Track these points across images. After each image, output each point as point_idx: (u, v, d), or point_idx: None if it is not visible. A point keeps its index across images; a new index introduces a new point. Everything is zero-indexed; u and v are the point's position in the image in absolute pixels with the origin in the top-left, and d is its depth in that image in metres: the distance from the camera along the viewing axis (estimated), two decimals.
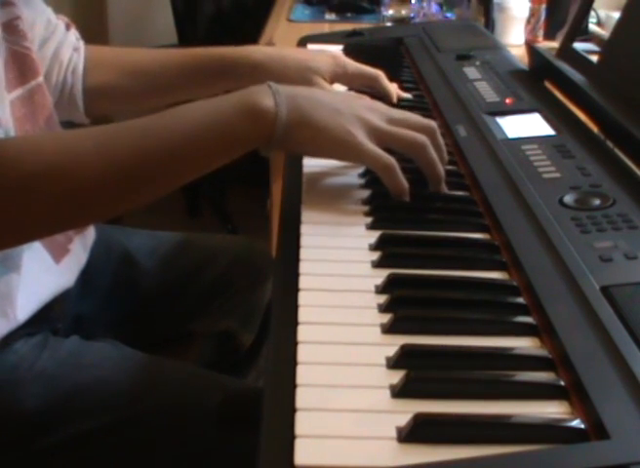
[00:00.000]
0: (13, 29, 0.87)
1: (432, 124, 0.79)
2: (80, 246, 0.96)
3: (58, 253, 0.90)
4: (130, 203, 0.74)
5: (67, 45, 1.00)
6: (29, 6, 0.94)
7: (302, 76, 0.97)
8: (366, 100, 0.81)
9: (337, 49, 1.33)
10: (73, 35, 1.03)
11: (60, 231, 0.84)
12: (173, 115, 0.73)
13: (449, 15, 1.78)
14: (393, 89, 1.04)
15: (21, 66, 0.88)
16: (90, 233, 1.00)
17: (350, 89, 1.06)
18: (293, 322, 0.59)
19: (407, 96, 1.05)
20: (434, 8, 1.78)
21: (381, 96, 1.01)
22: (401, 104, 1.08)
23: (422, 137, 0.77)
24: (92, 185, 0.69)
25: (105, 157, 0.70)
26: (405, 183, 0.76)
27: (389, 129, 0.76)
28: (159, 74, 1.01)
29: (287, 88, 0.75)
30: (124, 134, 0.72)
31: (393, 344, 0.56)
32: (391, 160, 0.75)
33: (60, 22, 1.01)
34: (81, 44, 1.03)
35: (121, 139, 0.71)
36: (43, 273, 0.88)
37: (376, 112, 0.77)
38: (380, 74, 1.02)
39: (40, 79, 0.91)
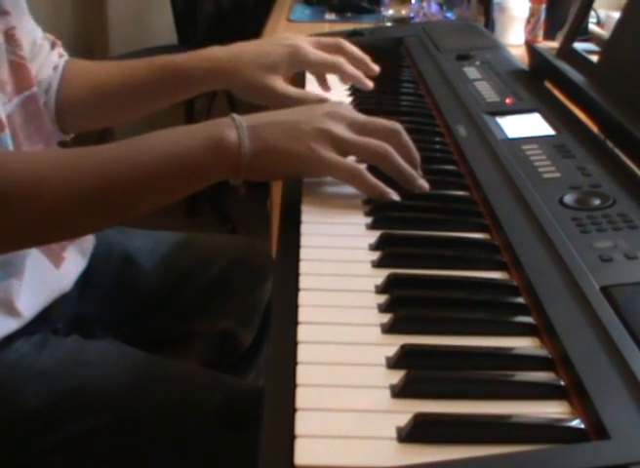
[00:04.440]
0: (10, 38, 0.88)
1: (396, 126, 0.79)
2: (76, 252, 0.96)
3: (56, 260, 0.91)
4: (103, 224, 0.78)
5: (48, 65, 0.99)
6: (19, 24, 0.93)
7: (257, 76, 0.95)
8: (328, 107, 0.80)
9: None
10: (56, 54, 1.02)
11: (37, 246, 0.85)
12: (140, 144, 0.75)
13: (449, 15, 1.78)
14: (360, 73, 1.02)
15: (18, 76, 0.88)
16: (87, 239, 1.00)
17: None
18: (293, 322, 0.59)
19: (376, 68, 1.03)
20: (434, 8, 1.78)
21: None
22: (402, 104, 1.08)
23: (383, 146, 0.77)
24: (60, 208, 0.71)
25: (72, 182, 0.71)
26: (378, 183, 0.76)
27: (351, 138, 0.76)
28: (122, 92, 1.00)
29: (250, 118, 0.75)
30: (91, 160, 0.73)
31: (393, 344, 0.56)
32: (357, 167, 0.76)
33: (45, 43, 1.00)
34: (62, 61, 1.02)
35: (88, 166, 0.73)
36: (44, 278, 0.88)
37: (338, 119, 0.77)
38: (342, 62, 0.99)
39: (34, 89, 0.91)
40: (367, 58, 1.01)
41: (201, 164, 0.73)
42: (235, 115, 0.75)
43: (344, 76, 1.01)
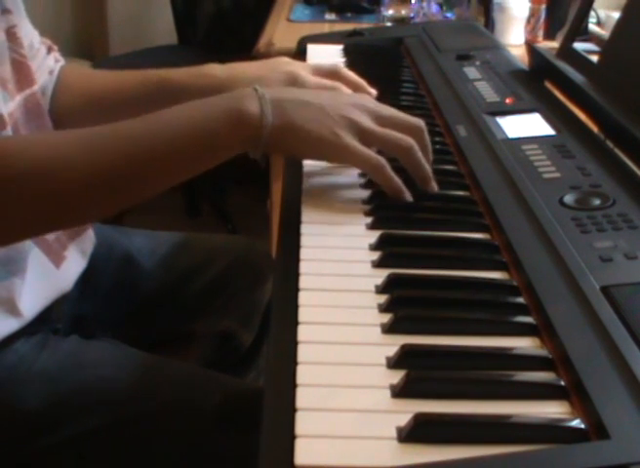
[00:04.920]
0: (12, 36, 0.88)
1: (420, 123, 0.79)
2: (77, 252, 0.96)
3: (56, 259, 0.90)
4: (117, 204, 0.76)
5: (44, 69, 0.98)
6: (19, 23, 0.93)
7: None
8: (353, 97, 0.80)
9: (336, 49, 1.33)
10: (52, 58, 1.01)
11: (48, 231, 0.85)
12: (159, 119, 0.74)
13: (449, 15, 1.78)
14: (362, 81, 1.01)
15: (20, 73, 0.88)
16: (87, 238, 0.99)
17: None
18: (293, 322, 0.59)
19: (373, 92, 1.01)
20: (434, 8, 1.78)
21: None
22: (402, 104, 1.08)
23: (408, 140, 0.77)
24: (77, 187, 0.70)
25: (90, 160, 0.71)
26: (398, 181, 0.76)
27: (376, 129, 0.76)
28: (118, 103, 0.99)
29: (273, 91, 0.75)
30: (110, 137, 0.73)
31: (393, 344, 0.56)
32: (380, 159, 0.75)
33: (42, 47, 1.00)
34: (58, 66, 1.02)
35: (106, 143, 0.72)
36: (45, 277, 0.88)
37: (363, 110, 0.77)
38: (340, 86, 0.97)
39: (35, 87, 0.91)
40: (364, 83, 1.01)
41: (221, 136, 0.72)
42: (257, 86, 0.74)
43: (348, 82, 1.00)
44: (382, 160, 0.76)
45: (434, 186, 0.78)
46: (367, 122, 0.76)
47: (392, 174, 0.76)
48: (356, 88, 1.00)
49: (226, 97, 0.74)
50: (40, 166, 0.69)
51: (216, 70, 0.97)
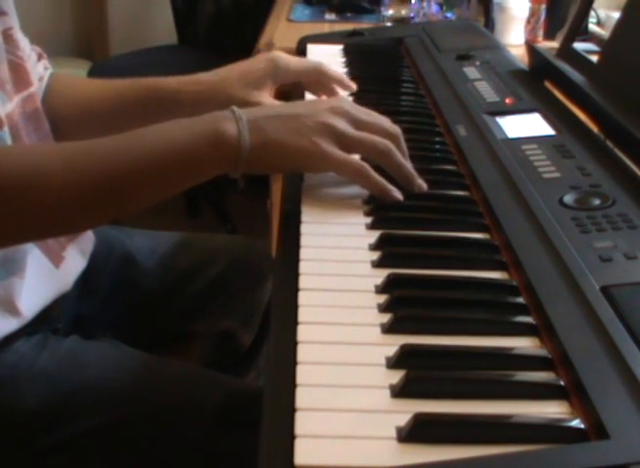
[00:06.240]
0: (9, 38, 0.88)
1: (396, 130, 0.79)
2: (76, 252, 0.96)
3: (55, 259, 0.91)
4: (98, 219, 0.77)
5: (34, 76, 0.99)
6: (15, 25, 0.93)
7: (244, 95, 0.95)
8: (330, 101, 0.80)
9: (336, 49, 1.33)
10: (42, 66, 1.02)
11: (32, 240, 0.85)
12: (140, 137, 0.75)
13: (449, 15, 1.78)
14: (343, 76, 1.04)
15: (17, 75, 0.88)
16: (87, 239, 0.99)
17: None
18: (293, 322, 0.59)
19: (353, 86, 1.04)
20: (434, 8, 1.78)
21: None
22: (402, 104, 1.08)
23: (386, 143, 0.77)
24: (57, 201, 0.71)
25: (72, 175, 0.71)
26: (383, 182, 0.76)
27: (354, 134, 0.76)
28: (109, 112, 0.99)
29: (250, 111, 0.76)
30: (92, 153, 0.73)
31: (393, 344, 0.56)
32: (362, 164, 0.76)
33: (32, 54, 1.00)
34: (47, 73, 1.02)
35: (88, 158, 0.73)
36: (44, 277, 0.88)
37: (340, 114, 0.77)
38: (323, 65, 1.00)
39: (32, 89, 0.91)
40: (343, 77, 1.03)
41: (200, 158, 0.73)
42: (235, 108, 0.75)
43: (329, 79, 1.01)
44: (364, 164, 0.76)
45: (421, 184, 0.78)
46: (344, 127, 0.76)
47: (376, 176, 0.76)
48: (336, 81, 1.01)
49: (205, 119, 0.75)
50: (18, 178, 0.70)
51: (204, 76, 0.98)
